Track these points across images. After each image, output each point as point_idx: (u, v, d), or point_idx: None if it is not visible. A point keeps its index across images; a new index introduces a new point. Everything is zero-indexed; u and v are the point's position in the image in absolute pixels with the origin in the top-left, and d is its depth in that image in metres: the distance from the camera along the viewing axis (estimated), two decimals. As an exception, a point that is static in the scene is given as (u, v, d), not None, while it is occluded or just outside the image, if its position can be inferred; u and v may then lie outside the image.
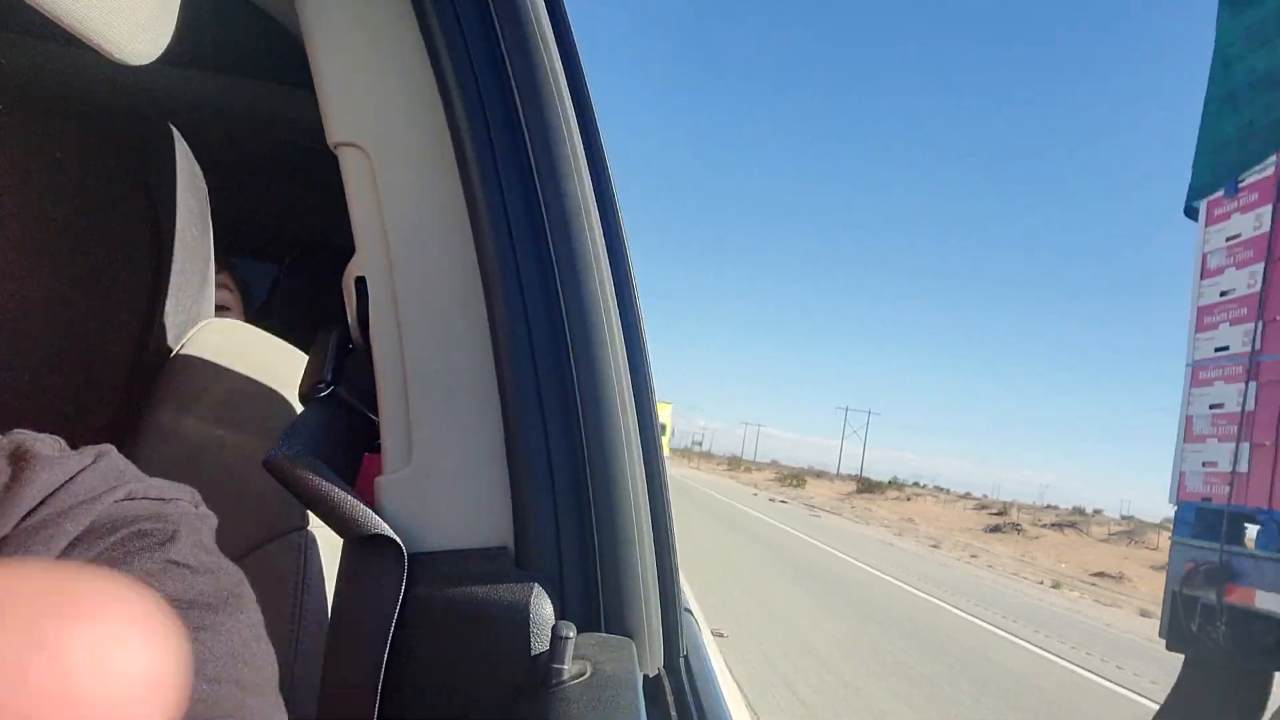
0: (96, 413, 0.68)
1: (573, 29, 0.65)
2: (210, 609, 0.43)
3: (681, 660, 0.60)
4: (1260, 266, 4.11)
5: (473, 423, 0.58)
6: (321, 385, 0.61)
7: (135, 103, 1.08)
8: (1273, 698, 3.80)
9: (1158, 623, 4.22)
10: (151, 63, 0.44)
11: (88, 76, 1.14)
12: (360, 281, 0.60)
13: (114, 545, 0.43)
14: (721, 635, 7.21)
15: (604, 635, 0.54)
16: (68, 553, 0.41)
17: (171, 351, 0.75)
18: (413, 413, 0.59)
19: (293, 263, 1.62)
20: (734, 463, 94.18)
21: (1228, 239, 4.37)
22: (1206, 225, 4.57)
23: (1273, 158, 4.10)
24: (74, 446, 0.46)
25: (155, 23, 0.43)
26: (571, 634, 0.49)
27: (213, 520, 0.50)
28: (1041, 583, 18.69)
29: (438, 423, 0.58)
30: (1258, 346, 3.92)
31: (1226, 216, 4.40)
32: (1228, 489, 3.86)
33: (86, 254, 0.66)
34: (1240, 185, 4.32)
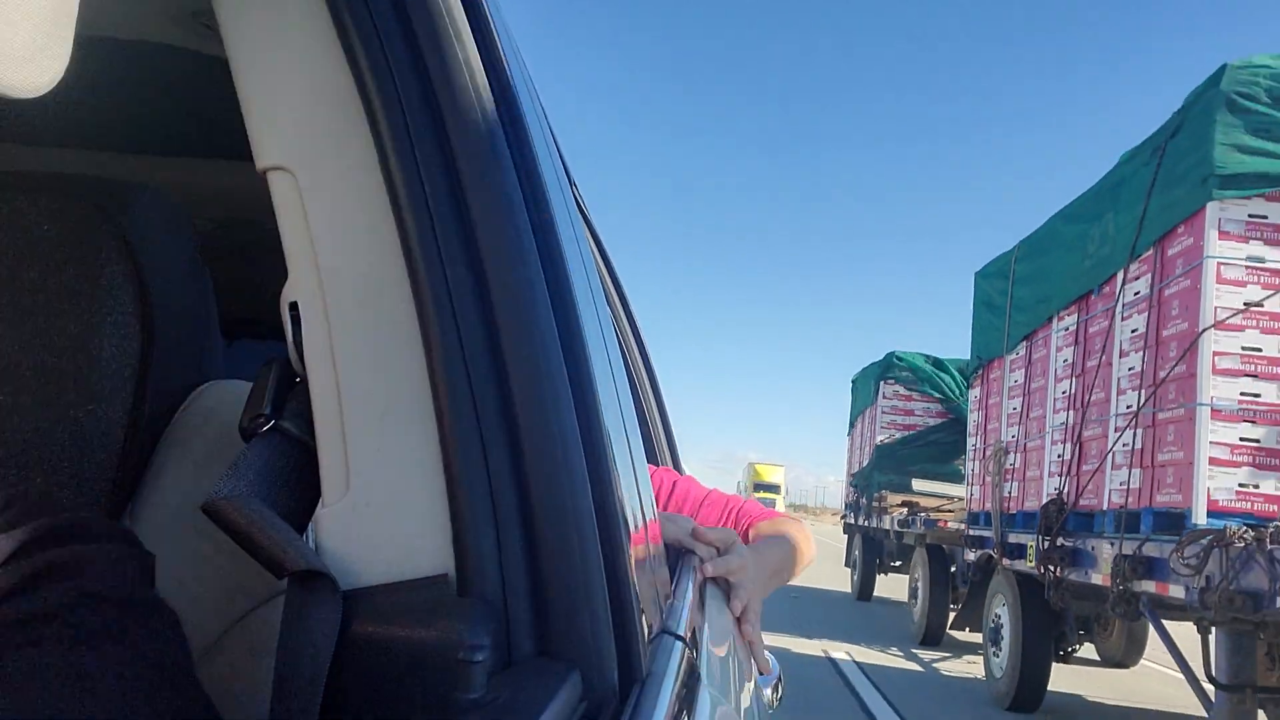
0: (95, 480, 0.67)
1: (495, 31, 0.63)
2: (123, 640, 0.41)
3: (638, 686, 0.55)
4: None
5: (411, 446, 0.55)
6: (261, 419, 0.58)
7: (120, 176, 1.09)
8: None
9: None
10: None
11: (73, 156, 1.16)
12: (294, 307, 0.58)
13: (22, 580, 0.41)
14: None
15: (543, 661, 0.50)
16: None
17: (172, 415, 0.74)
18: (349, 440, 0.56)
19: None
20: (799, 508, 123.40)
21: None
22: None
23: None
24: None
25: (41, 53, 0.41)
26: (479, 658, 0.45)
27: (146, 558, 0.48)
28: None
29: (375, 449, 0.55)
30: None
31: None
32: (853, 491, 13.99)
33: (69, 321, 0.65)
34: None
